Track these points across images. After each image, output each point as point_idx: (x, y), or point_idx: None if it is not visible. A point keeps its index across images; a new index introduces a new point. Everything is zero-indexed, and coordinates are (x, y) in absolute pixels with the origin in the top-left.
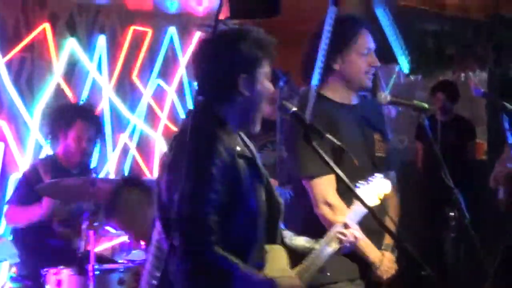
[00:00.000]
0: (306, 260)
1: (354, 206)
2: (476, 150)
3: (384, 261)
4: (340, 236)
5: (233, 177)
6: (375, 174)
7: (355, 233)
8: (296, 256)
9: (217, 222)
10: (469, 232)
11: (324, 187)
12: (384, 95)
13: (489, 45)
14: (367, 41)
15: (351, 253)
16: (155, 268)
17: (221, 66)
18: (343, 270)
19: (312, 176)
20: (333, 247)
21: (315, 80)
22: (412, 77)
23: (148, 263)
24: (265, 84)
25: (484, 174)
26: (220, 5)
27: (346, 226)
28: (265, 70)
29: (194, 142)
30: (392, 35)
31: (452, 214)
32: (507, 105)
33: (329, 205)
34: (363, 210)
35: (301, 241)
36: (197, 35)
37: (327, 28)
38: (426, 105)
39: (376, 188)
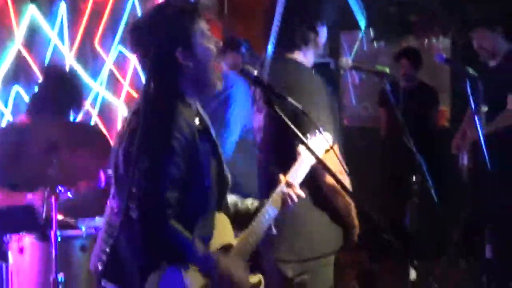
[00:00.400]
0: (252, 222)
1: (296, 164)
2: (439, 117)
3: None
4: (285, 196)
5: (192, 152)
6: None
7: (299, 192)
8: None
9: (175, 197)
10: (432, 197)
11: (334, 156)
12: (346, 60)
13: (452, 11)
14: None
15: (336, 220)
16: (108, 235)
17: (155, 46)
18: (331, 243)
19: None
20: (277, 207)
21: (271, 46)
22: (375, 44)
23: (102, 229)
24: (206, 45)
25: (448, 141)
26: None
27: (289, 185)
28: (200, 31)
29: (154, 114)
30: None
31: (415, 179)
32: (471, 71)
33: (342, 173)
34: (306, 169)
35: (247, 203)
36: (158, 1)
37: None
38: (387, 70)
39: (320, 144)
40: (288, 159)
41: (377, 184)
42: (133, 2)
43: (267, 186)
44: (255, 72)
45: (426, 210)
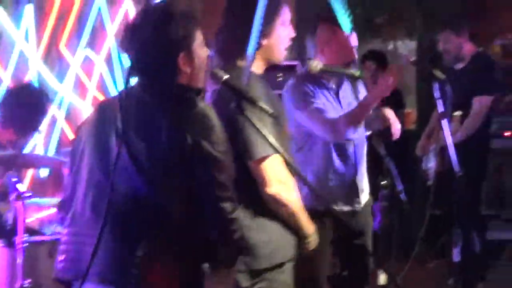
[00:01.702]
0: None
1: None
2: (406, 119)
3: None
4: None
5: None
6: None
7: None
8: None
9: None
10: (400, 200)
11: (277, 164)
12: (316, 63)
13: (418, 14)
14: (287, 12)
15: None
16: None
17: (158, 51)
18: (280, 253)
19: (265, 156)
20: None
21: (251, 50)
22: None
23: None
24: (202, 54)
25: (414, 143)
26: None
27: None
28: (199, 39)
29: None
30: (336, 2)
31: (384, 182)
32: (437, 73)
33: (282, 182)
34: None
35: None
36: (125, 4)
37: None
38: (357, 73)
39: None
40: None
41: None
42: (99, 4)
43: None
44: (226, 76)
45: (395, 213)
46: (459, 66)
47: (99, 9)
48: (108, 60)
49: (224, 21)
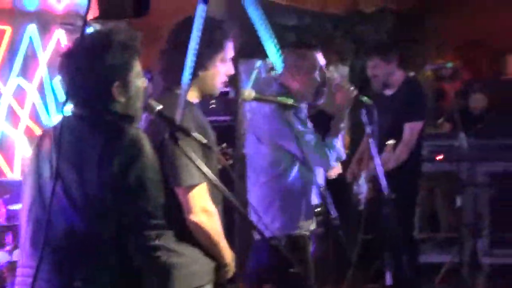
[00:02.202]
0: None
1: None
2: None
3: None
4: None
5: None
6: None
7: None
8: None
9: None
10: (335, 226)
11: (203, 193)
12: (248, 92)
13: (348, 39)
14: (231, 49)
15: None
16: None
17: (93, 79)
18: (205, 274)
19: (193, 185)
20: None
21: (185, 79)
22: (273, 72)
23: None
24: (138, 83)
25: (347, 168)
26: (88, 5)
27: None
28: (136, 69)
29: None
30: (263, 31)
31: (318, 209)
32: (364, 98)
33: (206, 211)
34: None
35: None
36: (57, 33)
37: (197, 27)
38: (290, 101)
39: None
40: None
41: None
42: (31, 33)
43: None
44: (159, 107)
45: (330, 239)
46: (389, 92)
47: (30, 38)
48: (41, 89)
49: (166, 47)
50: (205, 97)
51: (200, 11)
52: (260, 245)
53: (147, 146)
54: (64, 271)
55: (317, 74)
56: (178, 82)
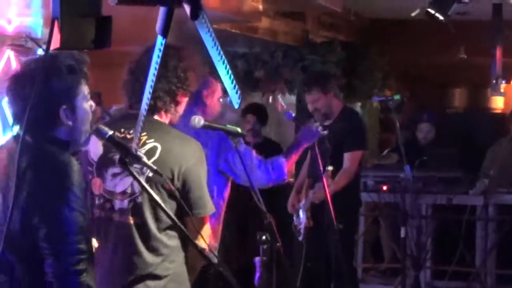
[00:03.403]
0: None
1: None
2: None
3: None
4: None
5: None
6: None
7: None
8: None
9: None
10: (280, 254)
11: None
12: (198, 119)
13: (297, 69)
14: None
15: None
16: None
17: (39, 103)
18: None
19: None
20: None
21: (143, 106)
22: (221, 100)
23: None
24: (85, 107)
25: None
26: (51, 34)
27: None
28: (83, 92)
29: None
30: (215, 55)
31: (264, 238)
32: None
33: None
34: None
35: None
36: (7, 54)
37: (156, 59)
38: (239, 130)
39: None
40: None
41: (228, 244)
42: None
43: None
44: (109, 132)
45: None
46: (328, 122)
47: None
48: None
49: (128, 72)
50: None
51: (159, 44)
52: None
53: (75, 174)
54: None
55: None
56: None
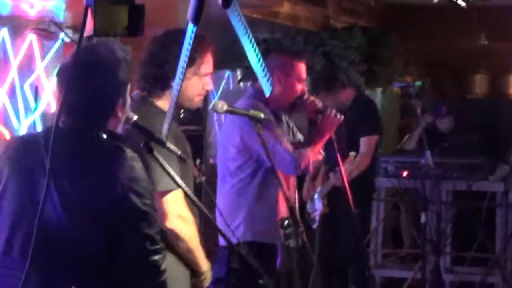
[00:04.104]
0: None
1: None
2: None
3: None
4: None
5: None
6: None
7: None
8: None
9: None
10: (302, 239)
11: (178, 200)
12: (221, 104)
13: (318, 54)
14: (210, 63)
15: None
16: None
17: (101, 96)
18: (181, 283)
19: (168, 190)
20: None
21: (175, 92)
22: (241, 84)
23: None
24: (129, 100)
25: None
26: (84, 22)
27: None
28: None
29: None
30: (245, 40)
31: (286, 222)
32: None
33: (182, 218)
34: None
35: None
36: (29, 38)
37: (186, 47)
38: (262, 115)
39: None
40: None
41: None
42: (3, 37)
43: None
44: (135, 117)
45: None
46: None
47: (3, 41)
48: (11, 93)
49: (144, 58)
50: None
51: (190, 31)
52: (223, 253)
53: (141, 169)
54: (55, 284)
55: (299, 86)
56: (154, 92)
